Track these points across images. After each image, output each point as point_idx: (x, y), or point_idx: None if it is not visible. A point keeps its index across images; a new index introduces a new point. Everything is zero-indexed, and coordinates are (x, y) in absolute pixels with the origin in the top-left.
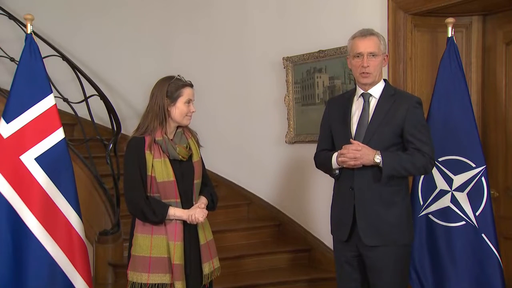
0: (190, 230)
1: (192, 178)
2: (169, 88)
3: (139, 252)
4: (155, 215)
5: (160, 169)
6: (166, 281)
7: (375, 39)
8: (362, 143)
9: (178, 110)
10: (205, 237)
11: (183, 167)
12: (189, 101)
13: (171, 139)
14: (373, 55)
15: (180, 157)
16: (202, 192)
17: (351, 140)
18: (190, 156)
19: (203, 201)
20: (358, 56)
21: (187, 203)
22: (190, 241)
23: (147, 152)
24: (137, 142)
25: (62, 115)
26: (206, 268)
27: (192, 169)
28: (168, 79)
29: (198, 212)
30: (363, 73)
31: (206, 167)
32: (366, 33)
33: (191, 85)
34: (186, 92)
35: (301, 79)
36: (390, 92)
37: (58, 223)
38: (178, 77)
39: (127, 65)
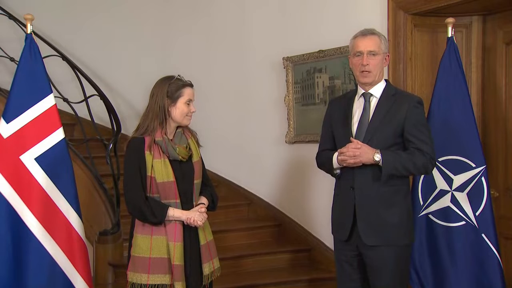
0: (190, 230)
1: (192, 179)
2: (170, 88)
3: (139, 252)
4: (154, 216)
5: (160, 170)
6: (166, 281)
7: (375, 38)
8: (363, 142)
9: (178, 110)
10: (205, 237)
11: (183, 168)
12: (189, 101)
13: (171, 139)
14: (373, 54)
15: (180, 157)
16: (203, 193)
17: (351, 138)
18: (190, 156)
19: (203, 202)
20: (358, 55)
21: (187, 204)
22: (190, 242)
23: (147, 153)
24: (137, 142)
25: (62, 115)
26: (206, 269)
27: (192, 169)
28: (168, 79)
29: (197, 216)
30: (363, 71)
31: (206, 167)
32: (367, 32)
33: (191, 85)
34: (187, 92)
35: (301, 79)
36: (391, 92)
37: (58, 223)
38: (178, 77)
39: (127, 65)
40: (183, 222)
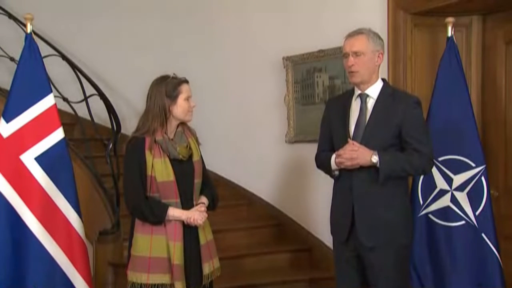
0: (190, 230)
1: (193, 178)
2: (167, 87)
3: (138, 252)
4: (154, 215)
5: (160, 169)
6: (166, 281)
7: (361, 38)
8: (360, 143)
9: (180, 108)
10: (205, 237)
11: (184, 167)
12: (188, 97)
13: (172, 139)
14: (357, 54)
15: (181, 156)
16: (203, 192)
17: (348, 140)
18: (191, 156)
19: (203, 201)
20: (345, 56)
21: (187, 203)
22: (190, 241)
23: (147, 152)
24: (137, 142)
25: (62, 115)
26: (206, 268)
27: (193, 168)
28: (164, 79)
29: (197, 215)
30: (350, 72)
31: (206, 166)
32: (354, 33)
33: (187, 81)
34: (185, 89)
35: (301, 79)
36: (388, 92)
37: (58, 222)
38: (173, 75)
39: (127, 64)
40: (183, 221)
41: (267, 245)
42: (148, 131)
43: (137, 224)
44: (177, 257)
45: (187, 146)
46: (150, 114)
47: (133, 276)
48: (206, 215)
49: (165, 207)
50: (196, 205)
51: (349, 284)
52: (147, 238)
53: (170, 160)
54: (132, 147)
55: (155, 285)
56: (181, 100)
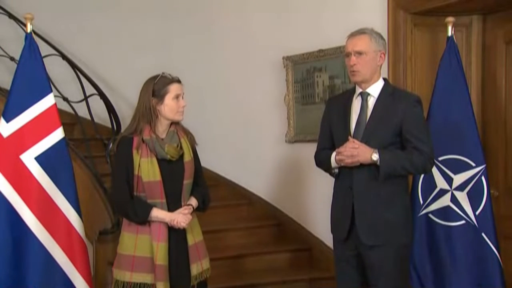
0: (177, 231)
1: (182, 179)
2: (155, 86)
3: (124, 250)
4: (137, 216)
5: (146, 169)
6: (148, 281)
7: (363, 38)
8: (360, 142)
9: (167, 107)
10: (193, 238)
11: (173, 167)
12: (177, 96)
13: (162, 138)
14: (360, 54)
15: (169, 156)
16: (193, 193)
17: (349, 137)
18: (182, 156)
19: (192, 203)
20: (348, 56)
21: (174, 204)
22: (177, 242)
23: (134, 152)
24: (125, 141)
25: (62, 115)
26: (194, 269)
27: (182, 169)
28: (153, 79)
29: (180, 218)
30: (352, 71)
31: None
32: (356, 32)
33: (178, 81)
34: (173, 88)
35: (301, 79)
36: (389, 91)
37: (57, 222)
38: (163, 74)
39: (127, 64)
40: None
41: (267, 245)
42: (135, 130)
43: (124, 223)
44: (160, 258)
45: (177, 146)
46: (137, 114)
47: (118, 273)
48: (190, 217)
49: (149, 208)
50: (185, 206)
51: (349, 283)
52: (132, 237)
53: (158, 160)
54: (120, 147)
55: (137, 284)
56: (168, 99)
